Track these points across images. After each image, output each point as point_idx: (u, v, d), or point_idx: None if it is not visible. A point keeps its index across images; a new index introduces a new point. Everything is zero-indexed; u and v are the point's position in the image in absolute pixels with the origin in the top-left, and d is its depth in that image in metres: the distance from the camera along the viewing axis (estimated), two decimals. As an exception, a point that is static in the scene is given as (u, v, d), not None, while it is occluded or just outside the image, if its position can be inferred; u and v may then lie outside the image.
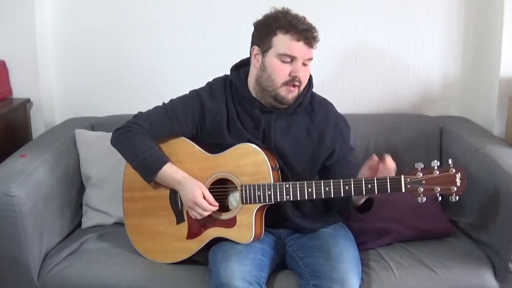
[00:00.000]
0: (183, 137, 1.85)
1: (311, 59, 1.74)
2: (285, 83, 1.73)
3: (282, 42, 1.70)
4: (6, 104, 2.37)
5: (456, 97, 2.50)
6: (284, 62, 1.71)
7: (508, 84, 2.27)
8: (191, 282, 1.79)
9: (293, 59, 1.70)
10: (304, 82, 1.76)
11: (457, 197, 1.57)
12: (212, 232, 1.78)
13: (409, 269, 1.81)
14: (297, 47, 1.69)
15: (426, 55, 2.45)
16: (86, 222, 2.17)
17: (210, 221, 1.78)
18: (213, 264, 1.70)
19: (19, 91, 2.47)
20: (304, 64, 1.73)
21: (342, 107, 1.89)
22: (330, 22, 2.42)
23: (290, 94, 1.74)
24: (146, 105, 1.92)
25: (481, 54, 2.41)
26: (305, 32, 1.68)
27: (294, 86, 1.73)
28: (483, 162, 1.96)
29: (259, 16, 1.71)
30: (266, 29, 1.73)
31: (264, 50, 1.74)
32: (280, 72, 1.72)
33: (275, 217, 1.81)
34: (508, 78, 2.27)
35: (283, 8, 1.74)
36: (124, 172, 1.93)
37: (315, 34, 1.71)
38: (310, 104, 1.84)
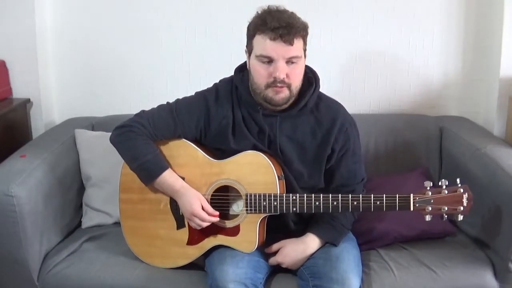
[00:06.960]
0: (186, 140, 1.80)
1: (296, 56, 1.64)
2: (268, 85, 1.66)
3: (259, 42, 1.64)
4: (6, 104, 2.37)
5: (456, 97, 2.49)
6: (263, 63, 1.65)
7: (508, 84, 2.27)
8: (191, 282, 1.79)
9: (270, 59, 1.63)
10: (295, 81, 1.67)
11: (462, 217, 1.62)
12: (214, 240, 1.75)
13: (409, 269, 1.81)
14: (273, 47, 1.61)
15: (426, 55, 2.45)
16: (86, 222, 2.17)
17: (212, 228, 1.74)
18: (209, 267, 1.70)
19: (19, 91, 2.47)
20: (290, 63, 1.64)
21: (342, 107, 1.89)
22: (330, 22, 2.42)
23: (278, 95, 1.67)
24: (146, 105, 1.91)
25: (481, 54, 2.41)
26: (278, 30, 1.58)
27: (280, 87, 1.66)
28: (483, 162, 1.96)
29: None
30: (248, 31, 1.69)
31: (249, 52, 1.71)
32: (260, 74, 1.66)
33: (276, 225, 1.77)
34: (508, 78, 2.27)
35: (268, 6, 1.66)
36: (122, 171, 1.87)
37: (294, 30, 1.60)
38: (317, 106, 1.77)
